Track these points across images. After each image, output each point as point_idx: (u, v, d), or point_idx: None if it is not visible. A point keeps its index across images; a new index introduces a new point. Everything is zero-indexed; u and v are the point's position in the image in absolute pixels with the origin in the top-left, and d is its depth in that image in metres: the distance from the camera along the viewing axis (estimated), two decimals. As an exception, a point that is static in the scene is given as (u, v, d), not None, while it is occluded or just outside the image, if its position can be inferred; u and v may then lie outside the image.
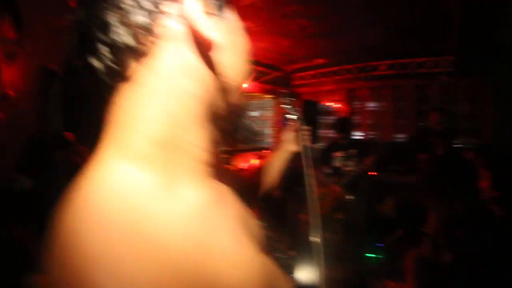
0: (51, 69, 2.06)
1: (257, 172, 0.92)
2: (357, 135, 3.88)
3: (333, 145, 3.07)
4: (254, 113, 4.82)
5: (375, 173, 2.93)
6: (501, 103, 2.91)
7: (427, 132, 3.07)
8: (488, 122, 2.91)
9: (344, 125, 3.18)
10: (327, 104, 4.25)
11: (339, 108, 4.13)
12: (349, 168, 2.83)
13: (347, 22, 3.22)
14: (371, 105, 3.90)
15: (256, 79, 3.91)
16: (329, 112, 4.36)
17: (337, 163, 2.90)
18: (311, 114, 4.49)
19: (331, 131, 4.07)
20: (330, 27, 3.33)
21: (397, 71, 3.51)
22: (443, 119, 3.08)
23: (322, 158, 2.95)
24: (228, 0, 0.35)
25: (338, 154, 2.91)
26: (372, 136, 3.81)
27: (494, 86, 3.01)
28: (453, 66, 3.15)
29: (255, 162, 3.29)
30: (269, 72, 4.08)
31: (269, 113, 4.69)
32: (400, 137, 3.61)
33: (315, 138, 4.15)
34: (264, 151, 3.66)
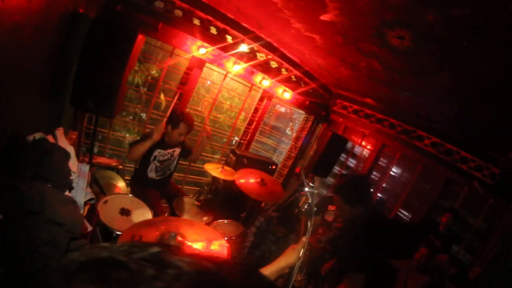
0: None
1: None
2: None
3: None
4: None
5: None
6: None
7: (431, 227, 2.99)
8: (490, 252, 2.81)
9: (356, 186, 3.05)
10: (356, 146, 4.00)
11: (366, 158, 3.89)
12: (338, 225, 2.79)
13: (421, 87, 2.87)
14: (395, 170, 3.68)
15: (297, 88, 3.58)
16: (354, 155, 4.14)
17: (328, 216, 2.86)
18: (335, 149, 4.26)
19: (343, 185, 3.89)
20: (399, 83, 2.98)
21: (438, 153, 3.23)
22: (452, 223, 2.98)
23: (320, 208, 2.90)
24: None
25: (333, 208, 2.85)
26: (378, 198, 3.69)
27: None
28: (494, 180, 2.93)
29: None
30: (316, 89, 3.73)
31: (296, 126, 4.42)
32: (404, 214, 3.51)
33: (328, 170, 3.94)
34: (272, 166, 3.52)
